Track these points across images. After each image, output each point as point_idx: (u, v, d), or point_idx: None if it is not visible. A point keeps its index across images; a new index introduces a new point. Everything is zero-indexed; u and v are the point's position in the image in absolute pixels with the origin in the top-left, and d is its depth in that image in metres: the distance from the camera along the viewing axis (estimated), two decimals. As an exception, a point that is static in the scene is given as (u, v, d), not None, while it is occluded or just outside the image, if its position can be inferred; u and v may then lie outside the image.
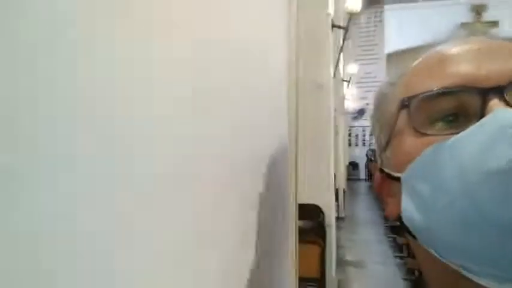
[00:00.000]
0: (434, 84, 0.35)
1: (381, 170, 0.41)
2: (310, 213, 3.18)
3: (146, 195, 0.31)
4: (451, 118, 0.35)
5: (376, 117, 0.44)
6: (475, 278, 0.31)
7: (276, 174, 0.78)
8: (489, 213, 0.28)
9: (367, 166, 12.14)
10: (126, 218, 0.28)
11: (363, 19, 12.28)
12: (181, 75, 0.37)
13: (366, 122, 12.57)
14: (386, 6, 12.05)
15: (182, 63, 0.37)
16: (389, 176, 0.39)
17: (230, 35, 0.53)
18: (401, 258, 4.44)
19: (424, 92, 0.36)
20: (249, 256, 0.58)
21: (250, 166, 0.61)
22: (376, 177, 0.42)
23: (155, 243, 0.32)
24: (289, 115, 0.90)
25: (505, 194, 0.28)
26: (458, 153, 0.31)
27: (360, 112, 12.47)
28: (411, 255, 3.65)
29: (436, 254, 0.33)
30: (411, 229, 0.35)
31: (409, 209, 0.35)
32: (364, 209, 7.93)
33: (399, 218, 0.37)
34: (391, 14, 11.56)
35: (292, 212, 0.91)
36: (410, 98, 0.37)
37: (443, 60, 0.37)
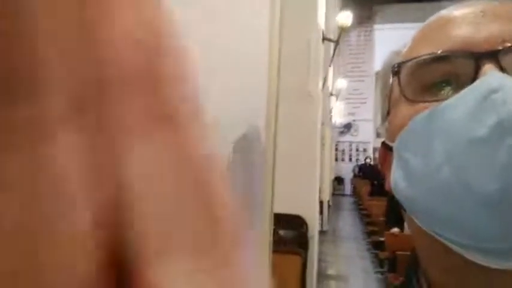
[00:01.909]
0: (429, 50, 0.34)
1: (383, 143, 0.39)
2: (293, 224, 3.17)
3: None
4: (444, 84, 0.33)
5: (380, 88, 0.43)
6: (459, 250, 0.29)
7: (251, 179, 0.76)
8: (469, 183, 0.27)
9: (352, 181, 12.22)
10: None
11: (353, 37, 12.51)
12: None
13: (352, 137, 12.71)
14: (376, 26, 12.32)
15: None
16: (387, 148, 0.37)
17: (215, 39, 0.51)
18: (382, 273, 4.44)
19: (413, 58, 0.34)
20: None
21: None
22: (380, 152, 0.40)
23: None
24: (267, 122, 0.89)
25: (486, 163, 0.27)
26: (444, 120, 0.30)
27: (347, 127, 12.60)
28: (392, 270, 3.65)
29: (420, 224, 0.32)
30: (399, 199, 0.34)
31: (397, 178, 0.33)
32: (347, 224, 7.94)
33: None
34: (381, 34, 11.81)
35: (266, 220, 0.89)
36: (400, 65, 0.35)
37: (442, 24, 0.36)
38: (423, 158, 0.31)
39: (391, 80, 0.38)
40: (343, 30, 4.03)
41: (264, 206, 0.88)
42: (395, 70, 0.36)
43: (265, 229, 0.88)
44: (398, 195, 0.34)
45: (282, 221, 2.89)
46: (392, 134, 0.36)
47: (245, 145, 0.70)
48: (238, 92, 0.68)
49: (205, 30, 0.50)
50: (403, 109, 0.35)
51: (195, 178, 0.10)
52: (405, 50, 0.39)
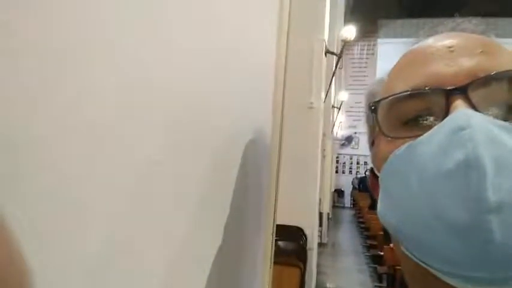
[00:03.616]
0: (402, 87, 0.35)
1: (371, 169, 0.41)
2: (292, 235, 3.15)
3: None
4: (420, 119, 0.34)
5: (365, 116, 0.45)
6: (439, 275, 0.31)
7: (255, 188, 0.76)
8: (441, 213, 0.29)
9: (352, 194, 12.17)
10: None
11: (356, 50, 12.59)
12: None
13: (353, 150, 12.70)
14: (379, 40, 12.40)
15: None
16: (376, 176, 0.39)
17: (215, 45, 0.52)
18: (380, 288, 4.40)
19: (388, 96, 0.36)
20: (215, 266, 0.56)
21: (228, 179, 0.60)
22: (369, 178, 0.42)
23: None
24: (272, 134, 0.90)
25: (454, 196, 0.28)
26: (418, 155, 0.31)
27: (348, 140, 12.60)
28: (390, 285, 3.61)
29: (404, 250, 0.34)
30: (386, 227, 0.36)
31: (382, 206, 0.36)
32: (347, 237, 7.89)
33: None
34: (384, 48, 11.88)
35: (270, 228, 0.89)
36: (376, 103, 0.37)
37: (413, 60, 0.37)
38: (402, 189, 0.33)
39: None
40: (346, 44, 4.05)
41: (267, 216, 0.88)
42: (372, 108, 0.38)
43: (267, 240, 0.88)
44: (384, 222, 0.36)
45: (281, 232, 2.87)
46: (377, 165, 0.38)
47: (253, 153, 0.71)
48: (244, 99, 0.69)
49: (212, 37, 0.51)
50: (383, 143, 0.37)
51: None
52: (386, 81, 0.40)
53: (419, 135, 0.33)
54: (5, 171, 0.20)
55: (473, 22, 0.39)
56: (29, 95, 0.22)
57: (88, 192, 0.27)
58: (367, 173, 11.91)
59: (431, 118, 0.34)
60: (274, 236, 0.91)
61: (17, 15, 0.20)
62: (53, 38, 0.23)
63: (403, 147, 0.33)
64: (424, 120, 0.34)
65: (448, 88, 0.33)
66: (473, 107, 0.31)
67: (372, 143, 0.41)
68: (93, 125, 0.27)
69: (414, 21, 11.53)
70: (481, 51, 0.34)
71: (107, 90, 0.29)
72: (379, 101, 0.37)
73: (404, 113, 0.35)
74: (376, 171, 0.39)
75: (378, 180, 0.38)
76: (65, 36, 0.24)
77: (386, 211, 0.35)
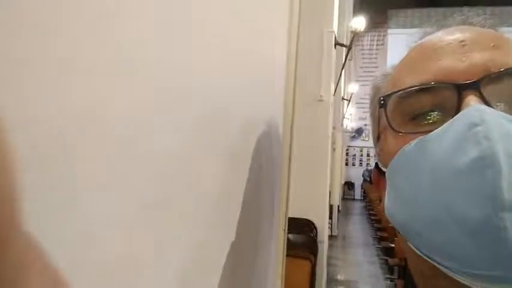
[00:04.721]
0: (412, 81, 0.35)
1: (376, 165, 0.41)
2: (302, 228, 3.16)
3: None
4: (430, 114, 0.34)
5: (371, 110, 0.44)
6: (450, 274, 0.31)
7: (268, 181, 0.77)
8: (454, 212, 0.28)
9: (362, 186, 12.11)
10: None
11: (366, 41, 12.44)
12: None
13: (363, 142, 12.61)
14: (390, 30, 12.22)
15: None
16: (381, 170, 0.39)
17: (230, 46, 0.53)
18: (391, 280, 4.39)
19: (398, 90, 0.35)
20: (228, 261, 0.57)
21: (241, 171, 0.61)
22: (373, 172, 0.42)
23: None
24: (284, 127, 0.90)
25: (468, 193, 0.28)
26: (430, 151, 0.31)
27: (358, 132, 12.51)
28: (401, 277, 3.61)
29: (414, 248, 0.33)
30: (392, 223, 0.35)
31: (389, 203, 0.35)
32: (357, 229, 7.87)
33: None
34: (395, 38, 11.72)
35: (282, 221, 0.90)
36: (385, 97, 0.37)
37: (424, 55, 0.36)
38: (411, 185, 0.32)
39: (378, 108, 0.39)
40: (356, 35, 4.01)
41: (280, 210, 0.89)
42: (381, 103, 0.37)
43: (279, 233, 0.89)
44: (391, 219, 0.35)
45: (291, 225, 2.87)
46: (384, 160, 0.37)
47: (266, 144, 0.71)
48: (255, 93, 0.69)
49: (224, 32, 0.51)
50: (391, 138, 0.36)
51: None
52: (392, 75, 0.40)
53: (428, 131, 0.32)
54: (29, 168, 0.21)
55: (483, 16, 0.38)
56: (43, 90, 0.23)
57: (105, 191, 0.27)
58: (377, 165, 11.77)
59: (441, 114, 0.33)
60: (286, 229, 0.92)
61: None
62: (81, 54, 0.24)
63: (413, 142, 0.32)
64: (434, 116, 0.34)
65: (461, 83, 0.32)
66: (486, 102, 0.31)
67: (378, 138, 0.40)
68: (111, 126, 0.28)
69: (425, 10, 11.34)
70: (493, 46, 0.33)
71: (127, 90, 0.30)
72: (389, 95, 0.36)
73: (413, 108, 0.34)
74: (381, 166, 0.38)
75: (382, 175, 0.38)
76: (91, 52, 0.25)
77: (393, 207, 0.35)
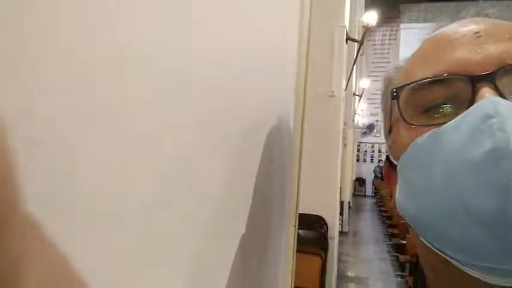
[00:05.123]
0: (426, 73, 0.34)
1: (387, 157, 0.40)
2: (313, 224, 3.16)
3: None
4: (443, 107, 0.33)
5: (383, 102, 0.43)
6: (461, 267, 0.30)
7: (278, 176, 0.77)
8: (468, 204, 0.28)
9: (373, 183, 12.04)
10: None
11: (377, 36, 12.30)
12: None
13: (374, 138, 12.51)
14: (402, 25, 12.06)
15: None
16: (392, 164, 0.38)
17: (242, 37, 0.53)
18: (402, 277, 4.37)
19: (411, 82, 0.35)
20: (239, 255, 0.57)
21: (251, 167, 0.61)
22: (384, 166, 0.41)
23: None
24: (294, 123, 0.90)
25: (482, 185, 0.27)
26: (443, 143, 0.31)
27: (370, 128, 12.41)
28: (412, 274, 3.59)
29: (425, 242, 0.33)
30: (403, 216, 0.35)
31: (401, 196, 0.35)
32: (368, 225, 7.84)
33: None
34: (407, 33, 11.56)
35: (293, 217, 0.90)
36: (398, 89, 0.36)
37: (437, 46, 0.36)
38: (424, 178, 0.32)
39: (390, 98, 0.38)
40: (367, 30, 3.97)
41: (290, 205, 0.89)
42: (394, 95, 0.36)
43: (290, 228, 0.89)
44: (402, 213, 0.35)
45: (302, 221, 2.87)
46: (395, 153, 0.37)
47: (277, 138, 0.72)
48: (266, 89, 0.69)
49: (233, 29, 0.51)
50: (404, 131, 0.35)
51: None
52: (405, 68, 0.39)
53: (441, 124, 0.32)
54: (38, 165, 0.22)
55: (498, 7, 0.38)
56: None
57: (104, 190, 0.28)
58: (388, 161, 11.66)
59: (455, 106, 0.33)
60: (297, 224, 0.92)
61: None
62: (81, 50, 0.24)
63: (426, 135, 0.32)
64: (447, 109, 0.33)
65: (475, 75, 0.31)
66: (500, 95, 0.30)
67: (389, 130, 0.40)
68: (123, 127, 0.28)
69: (437, 4, 11.14)
70: (508, 37, 0.33)
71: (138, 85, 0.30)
72: (402, 87, 0.36)
73: (426, 100, 0.34)
74: (392, 159, 0.38)
75: (393, 168, 0.37)
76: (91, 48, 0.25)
77: (405, 200, 0.34)
